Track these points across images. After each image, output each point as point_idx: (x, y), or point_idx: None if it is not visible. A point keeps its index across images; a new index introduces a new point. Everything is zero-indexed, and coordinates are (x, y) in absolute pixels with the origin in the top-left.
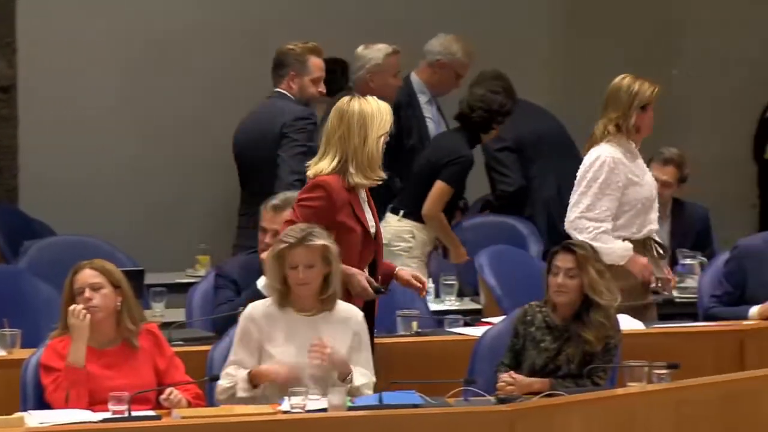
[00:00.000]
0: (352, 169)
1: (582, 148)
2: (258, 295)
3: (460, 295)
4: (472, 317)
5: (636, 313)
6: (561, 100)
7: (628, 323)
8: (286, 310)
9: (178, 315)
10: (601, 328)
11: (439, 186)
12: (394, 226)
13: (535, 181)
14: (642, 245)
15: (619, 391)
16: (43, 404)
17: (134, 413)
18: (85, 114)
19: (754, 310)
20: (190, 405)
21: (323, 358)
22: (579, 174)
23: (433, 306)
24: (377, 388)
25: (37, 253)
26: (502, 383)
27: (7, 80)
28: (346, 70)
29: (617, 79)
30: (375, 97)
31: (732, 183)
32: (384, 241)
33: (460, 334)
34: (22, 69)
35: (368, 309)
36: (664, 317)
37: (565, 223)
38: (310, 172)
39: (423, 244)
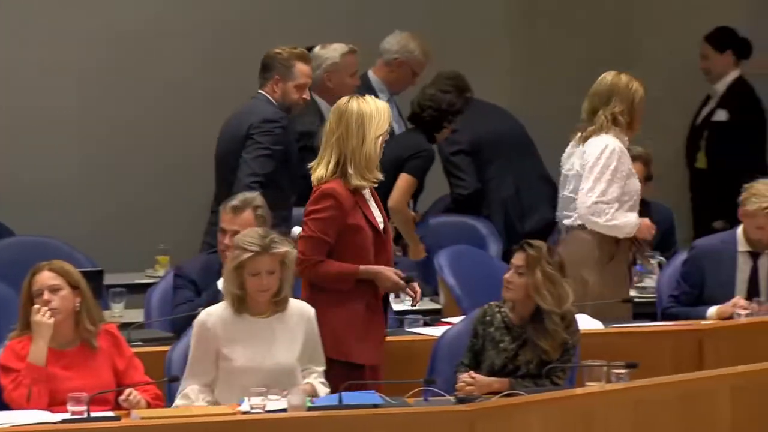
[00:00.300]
0: (350, 170)
1: (544, 145)
2: (219, 296)
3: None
4: (432, 317)
5: (613, 310)
6: (521, 99)
7: (586, 323)
8: (241, 314)
9: (137, 315)
10: (556, 336)
11: (404, 178)
12: None
13: (492, 182)
14: (632, 237)
15: (578, 390)
16: (1, 405)
17: (93, 414)
18: (45, 115)
19: (712, 310)
20: (149, 406)
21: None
22: (589, 161)
23: (394, 306)
24: (338, 389)
25: None
26: (462, 383)
27: None
28: None
29: (612, 74)
30: (373, 97)
31: (668, 187)
32: None
33: (419, 334)
34: None
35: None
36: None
37: (580, 209)
38: (312, 179)
39: None
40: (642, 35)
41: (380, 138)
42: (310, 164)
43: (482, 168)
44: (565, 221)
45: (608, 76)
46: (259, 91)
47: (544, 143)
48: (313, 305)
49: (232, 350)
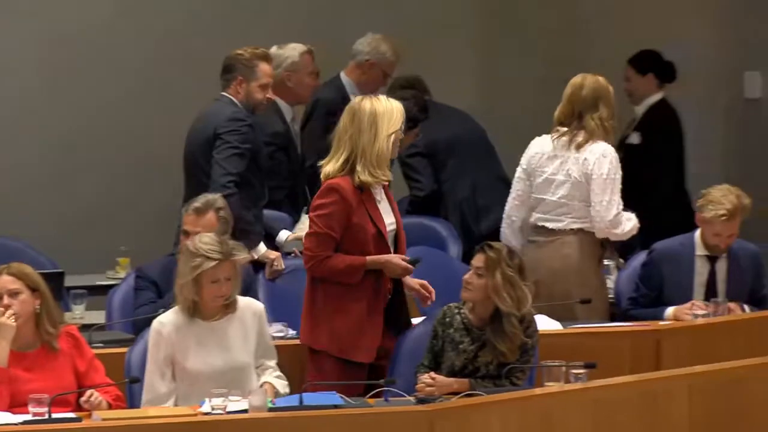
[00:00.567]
0: (359, 167)
1: (507, 146)
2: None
3: None
4: None
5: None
6: (483, 100)
7: (545, 323)
8: (194, 319)
9: (98, 317)
10: (515, 339)
11: None
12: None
13: (448, 184)
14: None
15: (537, 390)
16: None
17: (54, 415)
18: (4, 116)
19: (669, 310)
20: (110, 407)
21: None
22: (601, 172)
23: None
24: (299, 390)
25: None
26: (422, 384)
27: None
28: None
29: (591, 78)
30: (386, 96)
31: None
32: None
33: None
34: None
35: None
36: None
37: (601, 222)
38: (321, 175)
39: None
40: (599, 40)
41: (392, 136)
42: (321, 162)
43: (439, 170)
44: (550, 224)
45: (587, 80)
46: (222, 93)
47: (507, 144)
48: (313, 302)
49: (189, 356)
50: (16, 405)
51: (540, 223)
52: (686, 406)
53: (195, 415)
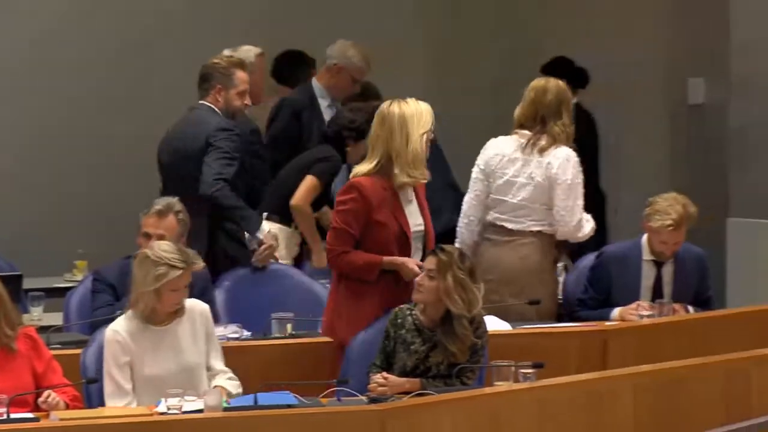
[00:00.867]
0: (396, 170)
1: (460, 148)
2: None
3: None
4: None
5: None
6: (435, 103)
7: (495, 324)
8: (146, 325)
9: (56, 319)
10: (465, 340)
11: (308, 179)
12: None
13: None
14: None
15: (487, 390)
16: None
17: (13, 415)
18: None
19: (615, 311)
20: (68, 407)
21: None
22: (566, 178)
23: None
24: (253, 390)
25: None
26: (374, 384)
27: None
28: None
29: (554, 82)
30: (414, 99)
31: None
32: None
33: None
34: None
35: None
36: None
37: (566, 226)
38: (351, 175)
39: (288, 246)
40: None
41: (425, 135)
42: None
43: None
44: (510, 225)
45: (550, 84)
46: (201, 101)
47: (459, 146)
48: (336, 297)
49: (145, 361)
50: None
51: (499, 223)
52: (631, 404)
53: (151, 415)
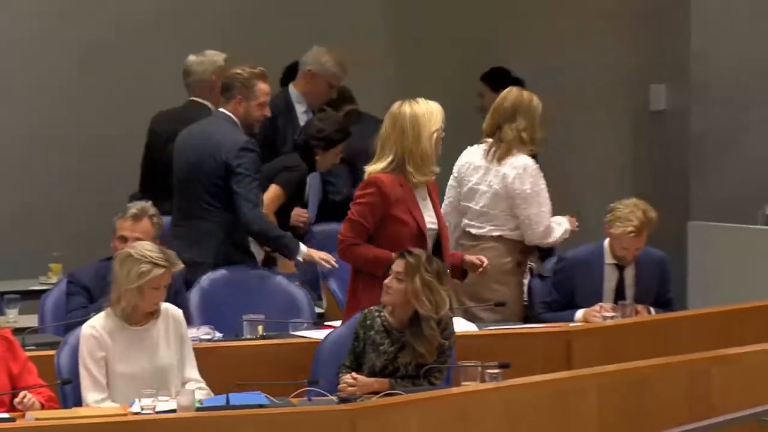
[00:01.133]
0: (410, 168)
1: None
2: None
3: None
4: (315, 321)
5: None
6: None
7: (462, 325)
8: (123, 324)
9: (31, 321)
10: (433, 341)
11: (272, 188)
12: None
13: None
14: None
15: (455, 389)
16: None
17: None
18: None
19: (579, 313)
20: (43, 407)
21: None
22: (524, 187)
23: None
24: (225, 390)
25: None
26: (344, 384)
27: None
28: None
29: (515, 91)
30: (424, 99)
31: None
32: None
33: (303, 337)
34: None
35: None
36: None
37: (534, 233)
38: (365, 174)
39: (255, 251)
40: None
41: (435, 134)
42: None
43: (357, 178)
44: (474, 230)
45: (510, 93)
46: (221, 109)
47: None
48: (354, 291)
49: (119, 359)
50: None
51: (467, 229)
52: (596, 403)
53: (125, 414)
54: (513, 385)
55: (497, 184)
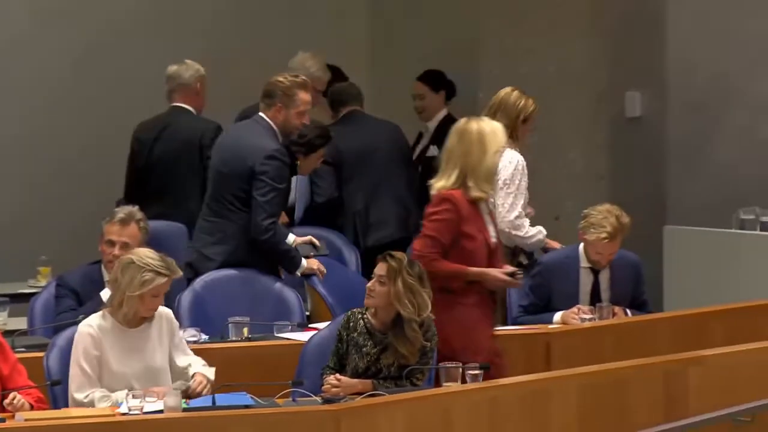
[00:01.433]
0: (470, 183)
1: None
2: (102, 306)
3: None
4: (299, 323)
5: None
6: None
7: None
8: (119, 327)
9: (20, 323)
10: (415, 342)
11: None
12: None
13: (347, 195)
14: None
15: (438, 390)
16: None
17: None
18: None
19: (557, 315)
20: (33, 408)
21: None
22: (501, 177)
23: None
24: (211, 391)
25: None
26: (328, 385)
27: None
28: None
29: (507, 89)
30: (487, 118)
31: None
32: None
33: (288, 339)
34: None
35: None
36: None
37: (502, 224)
38: (433, 190)
39: None
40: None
41: (497, 153)
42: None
43: (342, 180)
44: None
45: (503, 90)
46: (261, 114)
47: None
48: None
49: (113, 359)
50: None
51: None
52: (575, 403)
53: (113, 415)
54: (495, 385)
55: None
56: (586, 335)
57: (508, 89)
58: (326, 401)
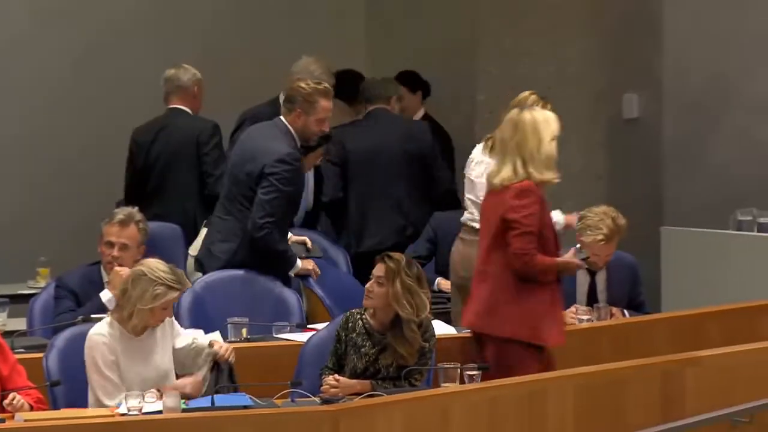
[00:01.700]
0: (532, 170)
1: None
2: (101, 307)
3: None
4: (298, 323)
5: None
6: None
7: (442, 329)
8: (127, 334)
9: (19, 324)
10: (414, 343)
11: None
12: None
13: (348, 198)
14: None
15: (437, 390)
16: None
17: None
18: None
19: None
20: (32, 409)
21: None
22: None
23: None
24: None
25: None
26: (326, 385)
27: None
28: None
29: (526, 93)
30: (539, 107)
31: None
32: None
33: (287, 339)
34: None
35: None
36: None
37: (469, 215)
38: (496, 180)
39: None
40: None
41: (554, 140)
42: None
43: (348, 180)
44: (476, 224)
45: (523, 94)
46: (281, 118)
47: None
48: (493, 293)
49: (125, 365)
50: None
51: (468, 223)
52: (572, 403)
53: (112, 416)
54: (494, 385)
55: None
56: (584, 336)
57: (527, 93)
58: (325, 402)
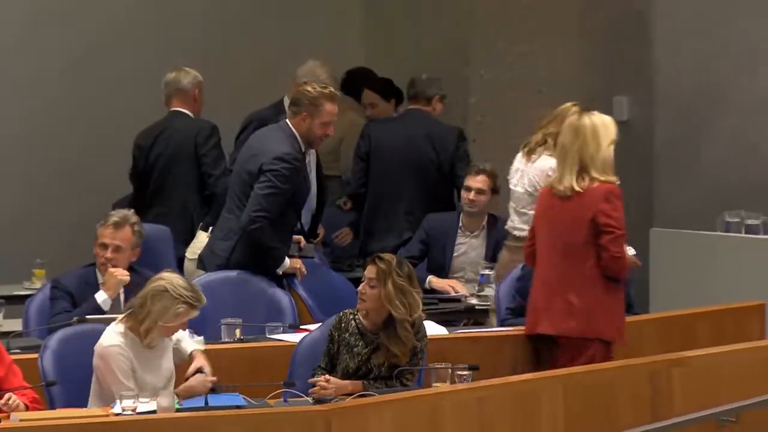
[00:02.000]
0: (594, 173)
1: None
2: (96, 308)
3: None
4: (291, 324)
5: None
6: None
7: (433, 329)
8: (138, 342)
9: (15, 325)
10: (407, 342)
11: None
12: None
13: (367, 195)
14: None
15: (428, 390)
16: None
17: None
18: None
19: None
20: (28, 409)
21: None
22: (539, 185)
23: None
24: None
25: None
26: (319, 386)
27: None
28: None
29: (569, 104)
30: (597, 112)
31: None
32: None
33: (280, 340)
34: None
35: None
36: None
37: (511, 223)
38: (561, 186)
39: None
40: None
41: (612, 144)
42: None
43: (370, 176)
44: (517, 233)
45: (567, 104)
46: (286, 120)
47: None
48: (588, 296)
49: (140, 373)
50: None
51: (511, 231)
52: (562, 404)
53: (107, 416)
54: (484, 386)
55: (528, 184)
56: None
57: (568, 104)
58: (317, 401)
